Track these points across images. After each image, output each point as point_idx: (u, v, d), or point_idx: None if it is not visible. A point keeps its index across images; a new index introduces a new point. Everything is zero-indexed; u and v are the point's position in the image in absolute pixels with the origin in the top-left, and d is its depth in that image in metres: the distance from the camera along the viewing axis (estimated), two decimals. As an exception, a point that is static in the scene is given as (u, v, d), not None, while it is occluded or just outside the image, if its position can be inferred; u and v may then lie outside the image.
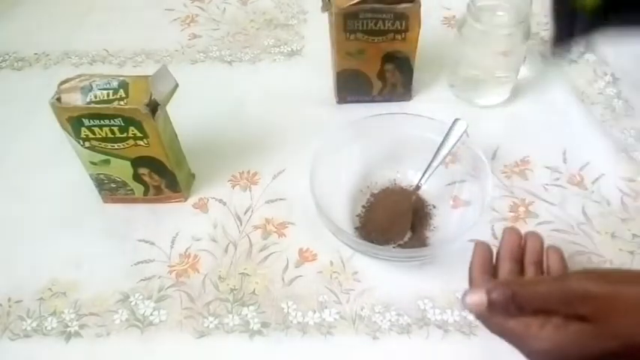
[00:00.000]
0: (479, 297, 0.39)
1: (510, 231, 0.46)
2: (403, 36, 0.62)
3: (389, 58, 0.65)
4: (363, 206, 0.60)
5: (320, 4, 0.64)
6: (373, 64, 0.65)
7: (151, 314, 0.53)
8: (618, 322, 0.35)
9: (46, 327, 0.53)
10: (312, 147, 0.57)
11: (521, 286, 0.39)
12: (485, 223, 0.57)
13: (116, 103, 0.52)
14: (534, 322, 0.38)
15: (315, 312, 0.52)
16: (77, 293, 0.55)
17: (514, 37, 0.63)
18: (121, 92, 0.53)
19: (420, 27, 0.62)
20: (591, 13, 0.40)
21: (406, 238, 0.56)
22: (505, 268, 0.43)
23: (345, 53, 0.64)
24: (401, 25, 0.61)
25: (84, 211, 0.62)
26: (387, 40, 0.63)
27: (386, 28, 0.61)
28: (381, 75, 0.67)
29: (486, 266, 0.44)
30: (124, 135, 0.54)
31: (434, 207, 0.59)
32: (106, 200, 0.62)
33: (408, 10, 0.60)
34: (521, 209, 0.59)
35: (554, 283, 0.38)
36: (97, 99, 0.52)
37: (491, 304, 0.38)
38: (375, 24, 0.61)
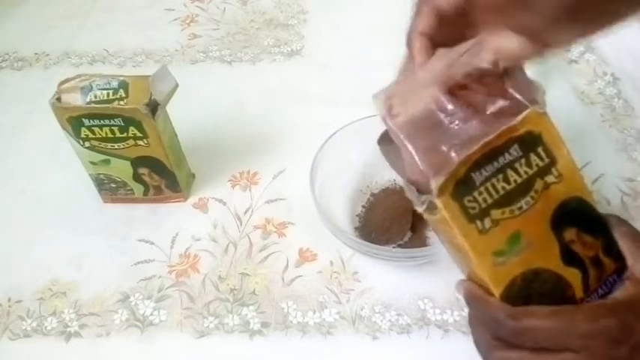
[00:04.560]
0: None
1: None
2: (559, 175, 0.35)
3: (562, 215, 0.35)
4: (363, 206, 0.60)
5: None
6: (547, 245, 0.35)
7: (151, 314, 0.53)
8: None
9: (46, 327, 0.53)
10: (312, 147, 0.57)
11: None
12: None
13: (116, 103, 0.52)
14: None
15: (315, 312, 0.52)
16: (77, 293, 0.55)
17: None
18: (121, 92, 0.53)
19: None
20: None
21: (406, 238, 0.56)
22: None
23: (491, 255, 0.33)
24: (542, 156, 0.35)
25: (84, 211, 0.62)
26: (536, 191, 0.34)
27: (524, 174, 0.34)
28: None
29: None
30: (124, 135, 0.54)
31: (434, 207, 0.59)
32: (106, 200, 0.62)
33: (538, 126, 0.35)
34: (521, 209, 0.59)
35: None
36: (97, 99, 0.52)
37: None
38: (503, 179, 0.33)
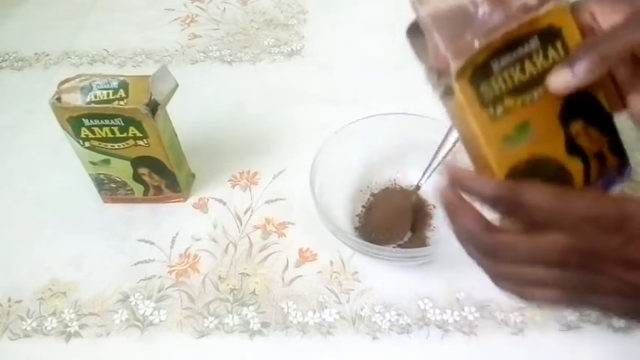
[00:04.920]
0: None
1: None
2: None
3: (571, 107, 0.36)
4: (363, 206, 0.60)
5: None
6: (553, 135, 0.36)
7: (151, 314, 0.53)
8: None
9: (46, 327, 0.53)
10: (312, 147, 0.57)
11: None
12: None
13: (116, 103, 0.52)
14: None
15: (315, 312, 0.52)
16: (77, 293, 0.55)
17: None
18: (121, 92, 0.53)
19: None
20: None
21: (406, 238, 0.56)
22: None
23: (500, 140, 0.34)
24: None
25: (84, 211, 0.62)
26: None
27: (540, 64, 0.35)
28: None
29: None
30: (124, 135, 0.54)
31: (434, 207, 0.59)
32: (106, 200, 0.62)
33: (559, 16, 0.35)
34: (521, 209, 0.59)
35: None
36: (97, 99, 0.52)
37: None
38: (519, 69, 0.34)
